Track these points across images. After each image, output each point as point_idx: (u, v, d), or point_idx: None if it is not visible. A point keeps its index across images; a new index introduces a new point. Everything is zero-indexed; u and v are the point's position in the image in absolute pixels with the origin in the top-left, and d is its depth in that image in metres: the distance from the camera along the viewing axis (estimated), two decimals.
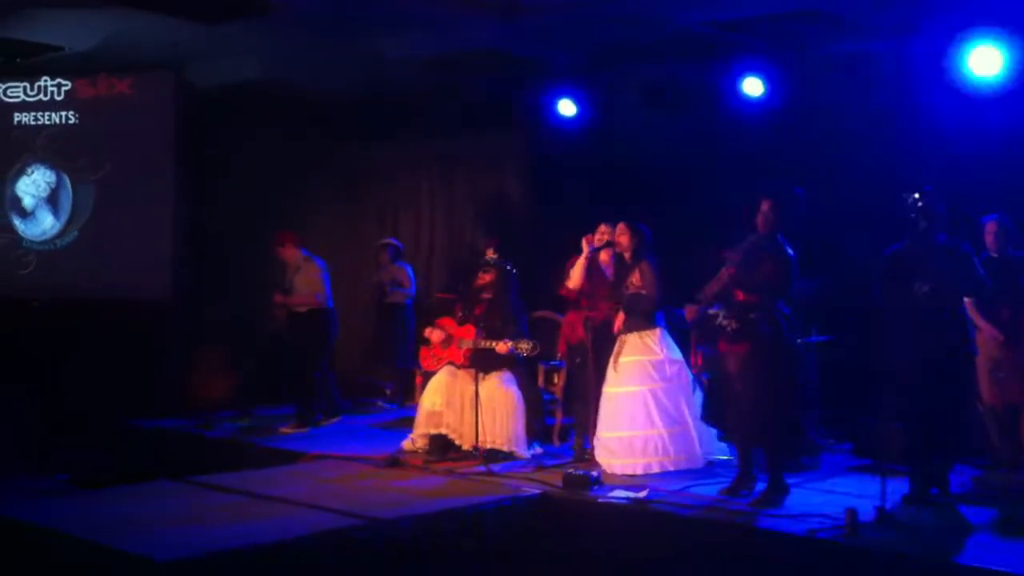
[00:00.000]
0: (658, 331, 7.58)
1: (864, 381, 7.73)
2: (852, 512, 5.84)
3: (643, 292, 7.51)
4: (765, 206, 6.66)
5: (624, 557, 6.33)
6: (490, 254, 8.59)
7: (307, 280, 9.55)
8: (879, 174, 8.62)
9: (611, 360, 7.61)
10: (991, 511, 6.25)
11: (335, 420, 9.63)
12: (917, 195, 6.42)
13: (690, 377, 7.62)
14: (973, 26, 7.99)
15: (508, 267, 8.33)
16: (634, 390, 7.46)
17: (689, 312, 7.33)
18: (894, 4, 8.22)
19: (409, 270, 11.01)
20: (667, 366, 7.51)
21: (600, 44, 9.70)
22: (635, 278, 7.56)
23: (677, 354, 7.58)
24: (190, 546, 5.39)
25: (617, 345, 7.62)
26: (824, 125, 9.19)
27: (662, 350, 7.53)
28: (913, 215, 6.43)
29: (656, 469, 7.33)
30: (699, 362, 7.81)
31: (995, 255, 7.29)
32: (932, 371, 6.32)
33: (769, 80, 9.33)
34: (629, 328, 7.59)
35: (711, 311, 6.67)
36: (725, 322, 6.59)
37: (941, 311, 6.31)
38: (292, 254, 9.61)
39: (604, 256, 7.99)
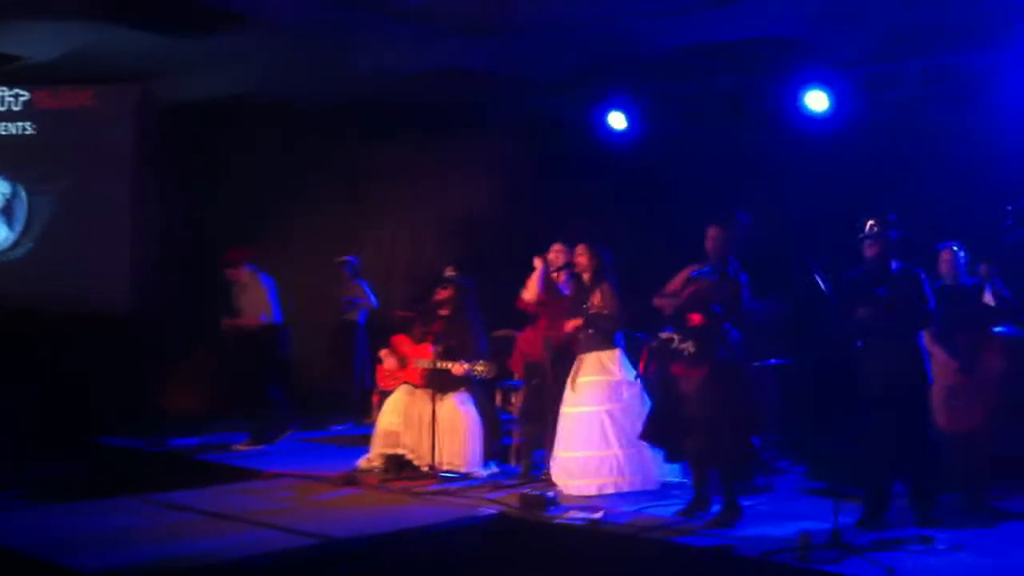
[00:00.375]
0: (616, 352, 7.62)
1: (820, 404, 7.82)
2: (806, 535, 5.90)
3: (604, 312, 7.55)
4: (712, 232, 6.77)
5: None
6: (449, 271, 8.58)
7: (251, 300, 9.52)
8: (839, 198, 8.75)
9: (569, 379, 7.63)
10: (946, 534, 6.32)
11: (284, 435, 9.60)
12: (872, 221, 6.53)
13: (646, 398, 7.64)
14: None
15: (467, 284, 8.34)
16: (591, 410, 7.49)
17: (657, 302, 7.32)
18: (863, 34, 8.40)
19: (365, 286, 10.99)
20: (624, 387, 7.54)
21: (576, 63, 9.78)
22: (595, 298, 7.60)
23: (634, 376, 7.60)
24: (142, 564, 5.34)
25: (575, 364, 7.65)
26: (787, 150, 9.31)
27: (620, 371, 7.57)
28: (869, 240, 6.53)
29: (611, 490, 7.36)
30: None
31: (949, 283, 7.40)
32: (887, 397, 6.40)
33: (736, 105, 9.47)
34: (588, 348, 7.62)
35: (664, 334, 6.71)
36: (683, 346, 6.63)
37: (894, 337, 6.40)
38: (241, 273, 9.56)
39: (560, 276, 8.04)
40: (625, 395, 7.53)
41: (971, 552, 6.04)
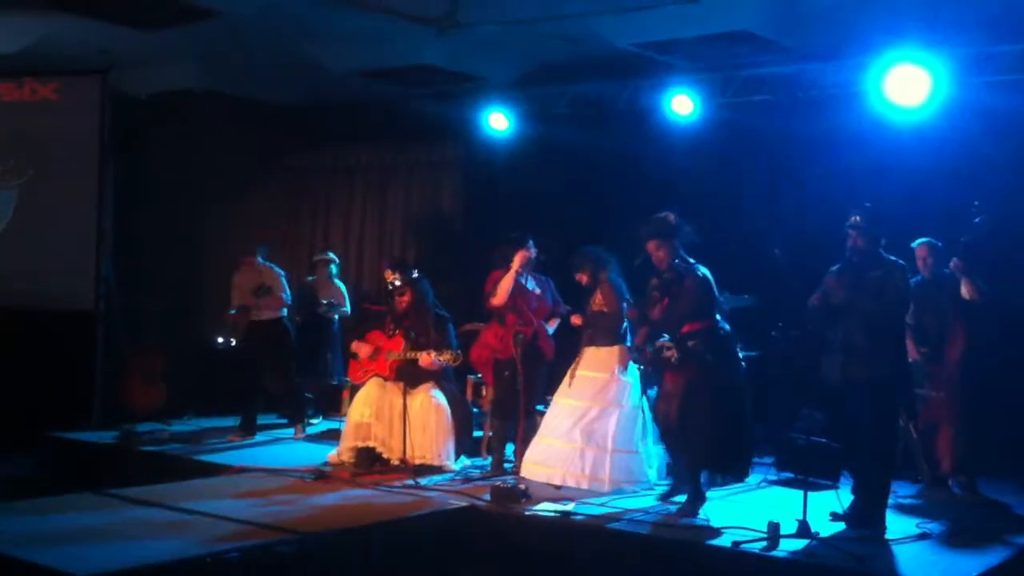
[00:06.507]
0: (617, 349, 7.62)
1: (788, 396, 7.84)
2: (774, 525, 5.95)
3: (605, 310, 7.60)
4: (652, 246, 6.73)
5: (550, 570, 6.34)
6: (389, 276, 8.47)
7: (280, 286, 9.67)
8: (805, 192, 8.79)
9: (569, 370, 7.69)
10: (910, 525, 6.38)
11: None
12: (858, 217, 6.39)
13: (633, 402, 7.58)
14: (898, 51, 8.17)
15: (415, 277, 8.31)
16: (578, 404, 7.52)
17: (631, 313, 7.39)
18: (821, 28, 8.41)
19: (344, 290, 10.79)
20: (616, 387, 7.54)
21: (535, 60, 9.78)
22: (597, 297, 7.64)
23: (629, 376, 7.59)
24: (110, 560, 5.27)
25: (578, 356, 7.71)
26: (751, 144, 9.34)
27: (616, 369, 7.56)
28: (853, 232, 6.40)
29: (571, 483, 7.35)
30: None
31: (927, 276, 7.47)
32: (861, 392, 6.30)
33: (698, 100, 9.45)
34: (591, 341, 7.69)
35: (659, 342, 6.65)
36: (668, 353, 6.61)
37: (874, 333, 6.26)
38: (253, 263, 9.74)
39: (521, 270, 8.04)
40: (615, 395, 7.52)
41: (937, 542, 6.12)
